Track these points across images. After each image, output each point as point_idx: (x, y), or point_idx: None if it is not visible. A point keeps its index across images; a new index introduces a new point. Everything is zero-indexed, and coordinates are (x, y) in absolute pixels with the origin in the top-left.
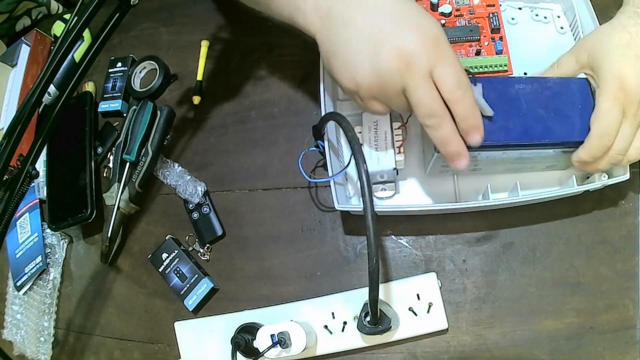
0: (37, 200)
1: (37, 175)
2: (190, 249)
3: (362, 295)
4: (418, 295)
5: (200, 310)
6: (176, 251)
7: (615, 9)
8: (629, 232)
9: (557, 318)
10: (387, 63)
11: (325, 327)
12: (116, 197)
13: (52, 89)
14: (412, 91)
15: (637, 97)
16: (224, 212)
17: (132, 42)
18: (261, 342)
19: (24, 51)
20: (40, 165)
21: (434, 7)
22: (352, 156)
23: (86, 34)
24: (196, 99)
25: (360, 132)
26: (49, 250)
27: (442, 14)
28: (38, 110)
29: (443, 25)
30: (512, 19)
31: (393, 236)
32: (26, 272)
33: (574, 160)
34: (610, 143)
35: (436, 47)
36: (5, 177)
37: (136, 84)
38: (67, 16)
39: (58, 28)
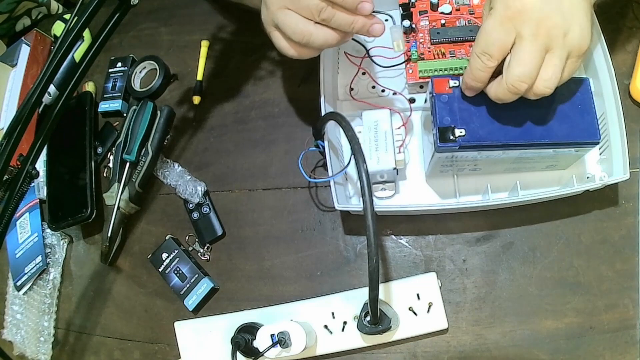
0: (37, 200)
1: (37, 175)
2: (190, 249)
3: (362, 295)
4: (418, 295)
5: (200, 310)
6: (176, 251)
7: (618, 9)
8: (629, 232)
9: (557, 318)
10: None
11: (325, 327)
12: (116, 197)
13: (52, 89)
14: (290, 2)
15: (535, 14)
16: (224, 212)
17: (132, 42)
18: (261, 342)
19: (24, 51)
20: (40, 165)
21: (434, 7)
22: (352, 156)
23: (86, 34)
24: (196, 99)
25: (360, 132)
26: (49, 250)
27: (442, 13)
28: (38, 110)
29: (443, 25)
30: None
31: (393, 236)
32: (26, 272)
33: (462, 87)
34: (492, 63)
35: None
36: (5, 177)
37: (136, 84)
38: (67, 16)
39: (58, 28)
